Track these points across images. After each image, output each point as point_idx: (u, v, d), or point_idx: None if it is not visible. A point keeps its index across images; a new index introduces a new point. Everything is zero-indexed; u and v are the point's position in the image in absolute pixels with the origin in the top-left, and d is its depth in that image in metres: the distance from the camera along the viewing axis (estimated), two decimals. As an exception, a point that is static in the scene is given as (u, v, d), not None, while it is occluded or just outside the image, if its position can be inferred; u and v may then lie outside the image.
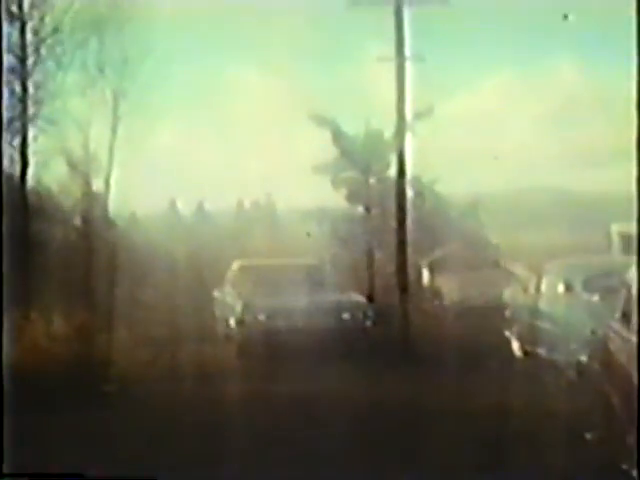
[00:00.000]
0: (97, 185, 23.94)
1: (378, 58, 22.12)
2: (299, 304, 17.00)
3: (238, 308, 17.26)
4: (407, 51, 21.35)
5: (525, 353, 15.30)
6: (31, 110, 20.99)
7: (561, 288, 14.48)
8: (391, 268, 23.27)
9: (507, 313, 16.70)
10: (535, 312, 15.02)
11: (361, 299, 18.62)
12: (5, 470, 7.11)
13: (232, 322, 17.44)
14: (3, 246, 10.18)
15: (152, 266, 24.99)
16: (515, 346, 15.77)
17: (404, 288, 22.08)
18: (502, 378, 12.62)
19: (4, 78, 19.99)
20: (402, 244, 22.34)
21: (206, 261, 25.47)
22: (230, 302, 18.18)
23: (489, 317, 17.45)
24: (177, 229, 29.94)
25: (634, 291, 8.21)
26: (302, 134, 29.37)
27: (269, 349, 16.38)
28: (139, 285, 23.21)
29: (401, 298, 21.66)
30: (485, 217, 28.04)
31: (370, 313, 17.75)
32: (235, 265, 19.67)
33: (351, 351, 16.18)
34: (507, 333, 16.13)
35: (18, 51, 20.58)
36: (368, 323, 17.50)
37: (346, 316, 17.30)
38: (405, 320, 19.89)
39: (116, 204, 24.32)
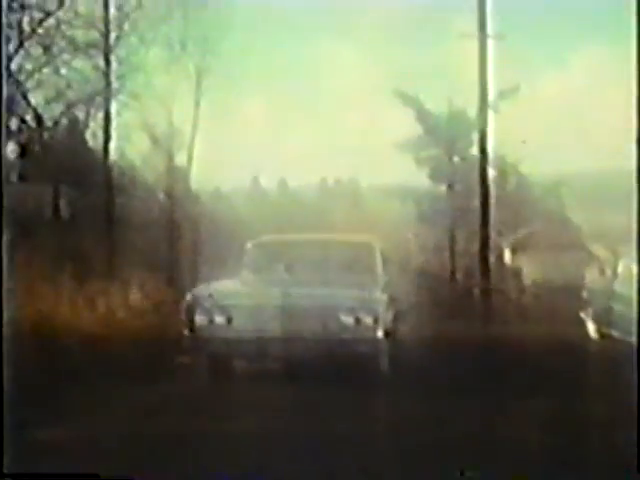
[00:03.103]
0: (180, 160, 24.27)
1: (460, 35, 22.03)
2: (279, 301, 11.36)
3: (186, 304, 11.70)
4: (489, 28, 21.25)
5: (601, 335, 15.11)
6: (114, 85, 21.26)
7: (636, 270, 14.26)
8: (474, 248, 23.20)
9: (583, 295, 16.55)
10: (611, 294, 14.83)
11: (378, 294, 11.76)
12: (6, 469, 7.24)
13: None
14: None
15: (234, 241, 25.25)
16: (590, 328, 15.59)
17: (486, 267, 22.00)
18: (576, 361, 12.50)
19: (89, 52, 20.45)
20: (485, 223, 22.25)
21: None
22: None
23: (567, 299, 17.22)
24: (260, 205, 30.18)
25: None
26: (386, 112, 29.35)
27: (216, 370, 11.97)
28: (220, 259, 23.46)
29: (482, 278, 21.61)
30: (568, 197, 27.75)
31: (382, 316, 11.30)
32: (249, 244, 13.59)
33: (343, 377, 11.07)
34: (582, 315, 15.98)
35: (101, 26, 20.80)
36: (379, 333, 11.22)
37: (348, 320, 11.26)
38: (485, 304, 19.53)
39: (199, 179, 24.61)
